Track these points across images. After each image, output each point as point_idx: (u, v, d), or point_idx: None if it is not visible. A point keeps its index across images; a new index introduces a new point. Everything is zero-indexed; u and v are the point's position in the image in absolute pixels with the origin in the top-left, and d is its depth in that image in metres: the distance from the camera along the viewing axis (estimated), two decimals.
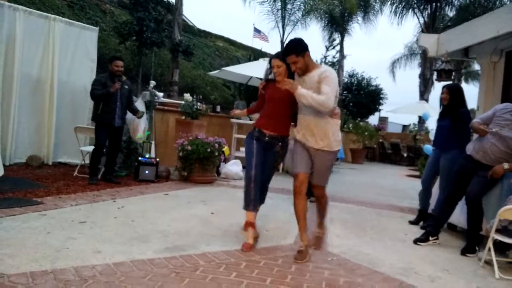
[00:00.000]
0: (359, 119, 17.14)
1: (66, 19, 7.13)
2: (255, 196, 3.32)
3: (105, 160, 5.77)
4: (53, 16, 6.77)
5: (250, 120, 9.21)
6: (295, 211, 3.33)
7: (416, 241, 4.04)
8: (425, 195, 4.89)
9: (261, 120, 3.49)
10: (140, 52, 9.86)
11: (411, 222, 4.93)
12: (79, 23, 7.46)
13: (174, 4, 11.92)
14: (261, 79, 9.56)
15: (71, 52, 6.82)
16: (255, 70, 9.36)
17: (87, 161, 6.01)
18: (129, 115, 6.00)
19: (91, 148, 5.83)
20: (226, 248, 3.32)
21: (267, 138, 3.41)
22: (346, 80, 19.75)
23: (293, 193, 3.29)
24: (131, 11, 9.87)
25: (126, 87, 5.74)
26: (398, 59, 21.74)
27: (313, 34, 29.77)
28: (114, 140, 5.72)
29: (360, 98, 17.97)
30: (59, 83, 6.62)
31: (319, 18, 17.98)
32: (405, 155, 16.59)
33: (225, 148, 6.92)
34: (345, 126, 15.59)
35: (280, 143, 3.44)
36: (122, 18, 12.39)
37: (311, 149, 3.24)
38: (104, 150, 5.69)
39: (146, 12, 9.47)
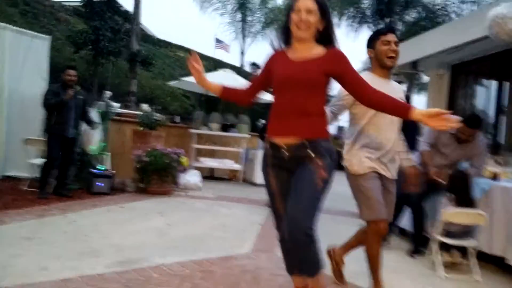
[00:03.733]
0: None
1: (16, 28, 6.86)
2: (294, 256, 2.20)
3: (56, 173, 5.55)
4: (3, 24, 6.49)
5: (210, 130, 9.20)
6: (370, 256, 2.71)
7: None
8: None
9: (272, 123, 2.14)
10: (96, 61, 9.62)
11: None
12: (30, 31, 7.18)
13: (132, 13, 11.76)
14: None
15: (21, 61, 6.54)
16: (216, 80, 9.34)
17: (38, 175, 5.75)
18: (82, 126, 5.82)
19: (41, 161, 5.60)
20: (181, 259, 3.28)
21: (286, 153, 2.07)
22: None
23: (371, 239, 2.68)
24: (87, 20, 9.63)
25: (81, 97, 5.58)
26: None
27: None
28: (67, 152, 5.52)
29: None
30: (9, 94, 6.33)
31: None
32: None
33: (184, 159, 6.86)
34: None
35: (314, 152, 2.03)
36: (77, 27, 12.07)
37: (387, 180, 2.67)
38: (55, 162, 5.47)
39: (103, 21, 9.28)
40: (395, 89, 2.61)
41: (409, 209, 4.20)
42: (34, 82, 6.68)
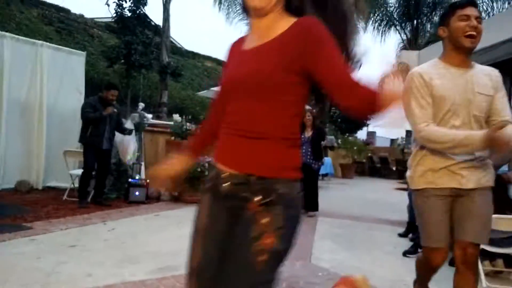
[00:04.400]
0: (347, 134, 17.34)
1: (54, 45, 7.21)
2: None
3: (94, 183, 5.77)
4: (40, 42, 6.85)
5: None
6: (418, 284, 2.44)
7: (405, 253, 4.10)
8: (412, 208, 4.96)
9: (219, 139, 1.36)
10: (129, 74, 9.95)
11: (400, 235, 5.00)
12: (67, 48, 7.54)
13: (161, 27, 12.11)
14: None
15: (59, 76, 6.87)
16: None
17: (77, 185, 5.99)
18: (118, 137, 6.04)
19: (80, 171, 5.83)
20: None
21: (224, 185, 1.29)
22: None
23: (421, 267, 2.33)
24: (119, 35, 9.99)
25: (115, 110, 5.80)
26: None
27: None
28: (103, 163, 5.73)
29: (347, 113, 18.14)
30: (48, 108, 6.64)
31: None
32: (394, 168, 16.76)
33: None
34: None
35: (262, 197, 1.21)
36: (110, 42, 12.52)
37: (468, 192, 2.02)
38: (93, 173, 5.69)
39: (134, 36, 9.60)
40: (481, 80, 2.03)
41: None
42: (71, 96, 7.00)
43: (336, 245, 4.37)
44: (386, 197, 9.43)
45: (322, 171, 7.56)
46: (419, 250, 4.07)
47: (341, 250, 4.18)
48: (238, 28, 16.51)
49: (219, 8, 14.82)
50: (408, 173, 2.22)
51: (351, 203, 7.95)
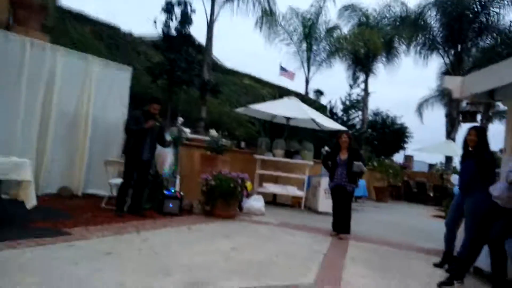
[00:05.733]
0: (383, 157, 16.98)
1: (103, 59, 7.60)
2: None
3: (131, 192, 5.96)
4: (91, 56, 7.24)
5: (274, 156, 9.36)
6: None
7: (440, 285, 3.94)
8: (449, 238, 4.79)
9: None
10: (170, 90, 10.31)
11: (436, 265, 4.81)
12: (115, 63, 7.92)
13: (205, 46, 12.51)
14: (285, 117, 9.77)
15: (106, 90, 7.21)
16: (280, 108, 9.58)
17: (115, 193, 6.21)
18: (157, 149, 6.23)
19: (119, 181, 6.06)
20: (246, 284, 3.35)
21: None
22: (370, 118, 19.77)
23: None
24: (165, 52, 10.41)
25: (157, 123, 6.00)
26: (425, 101, 21.74)
27: (337, 72, 30.30)
28: (142, 174, 5.93)
29: (384, 136, 17.87)
30: (93, 119, 6.98)
31: (343, 58, 18.34)
32: (431, 194, 16.17)
33: (248, 184, 7.02)
34: (369, 163, 15.49)
35: None
36: (154, 58, 13.04)
37: None
38: (132, 183, 5.89)
39: (179, 54, 9.99)
40: None
41: (487, 247, 3.92)
42: (116, 109, 7.32)
43: (368, 271, 4.27)
44: (422, 224, 9.10)
45: (356, 193, 7.43)
46: (455, 282, 3.92)
47: (373, 277, 4.07)
48: (277, 48, 16.76)
49: (260, 29, 15.13)
50: None
51: (385, 228, 7.73)
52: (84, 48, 10.87)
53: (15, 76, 5.95)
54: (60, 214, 5.25)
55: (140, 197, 6.02)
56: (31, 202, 4.45)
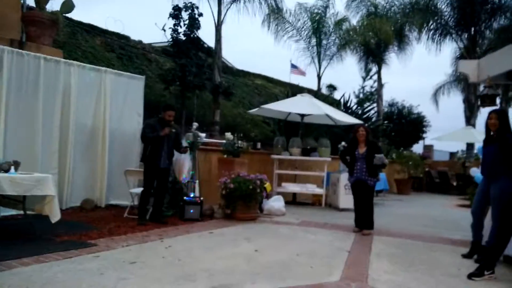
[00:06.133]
0: (402, 148, 16.74)
1: (116, 70, 7.71)
2: None
3: (152, 200, 6.02)
4: (104, 68, 7.35)
5: (291, 155, 9.32)
6: None
7: (470, 276, 3.85)
8: (477, 227, 4.67)
9: None
10: (183, 95, 10.38)
11: (464, 256, 4.70)
12: (127, 73, 8.01)
13: (214, 48, 12.54)
14: (299, 114, 9.72)
15: (121, 100, 7.30)
16: (294, 105, 9.53)
17: (136, 203, 6.29)
18: (174, 155, 6.27)
19: (139, 190, 6.12)
20: (271, 286, 3.34)
21: None
22: (386, 109, 19.52)
23: None
24: (174, 58, 10.48)
25: (173, 130, 6.04)
26: (440, 88, 21.31)
27: (349, 65, 30.05)
28: (161, 181, 5.97)
29: (402, 127, 17.60)
30: (110, 130, 7.07)
31: (354, 51, 18.14)
32: (454, 183, 15.85)
33: (267, 185, 7.01)
34: (388, 156, 15.28)
35: None
36: (166, 65, 13.15)
37: None
38: (152, 191, 5.95)
39: (188, 58, 10.03)
40: None
41: None
42: (131, 118, 7.42)
43: (394, 266, 4.20)
44: (447, 215, 8.92)
45: (377, 187, 7.33)
46: (486, 272, 3.82)
47: (400, 271, 4.01)
48: (287, 45, 16.68)
49: (268, 27, 15.08)
50: None
51: (408, 221, 7.61)
52: (96, 60, 11.06)
53: (32, 93, 6.06)
54: (84, 226, 5.34)
55: (161, 205, 6.08)
56: (55, 216, 4.53)
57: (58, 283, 3.14)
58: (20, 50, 6.08)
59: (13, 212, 5.12)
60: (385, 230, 6.23)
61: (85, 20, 12.97)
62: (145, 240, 4.79)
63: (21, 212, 4.66)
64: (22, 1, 7.30)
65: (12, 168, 4.46)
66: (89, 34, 12.73)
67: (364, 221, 6.00)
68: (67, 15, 7.88)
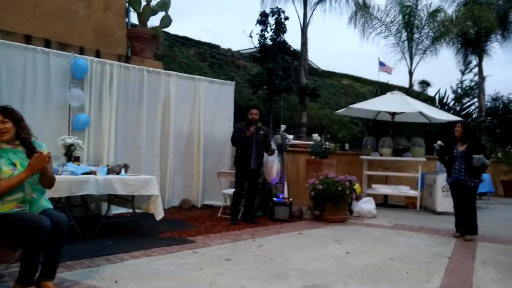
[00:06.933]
0: (509, 147, 15.07)
1: (209, 78, 8.19)
2: None
3: (244, 201, 6.27)
4: (198, 76, 7.86)
5: (381, 155, 8.99)
6: None
7: None
8: None
9: None
10: (271, 99, 10.63)
11: None
12: (219, 80, 8.46)
13: (299, 51, 12.63)
14: (389, 113, 9.32)
15: (213, 106, 7.74)
16: (383, 104, 9.17)
17: (229, 203, 6.61)
18: (264, 157, 6.47)
19: (231, 191, 6.43)
20: None
21: None
22: (489, 104, 17.77)
23: None
24: (262, 63, 10.79)
25: (262, 132, 6.24)
26: None
27: (444, 59, 27.77)
28: (252, 182, 6.20)
29: (508, 123, 15.86)
30: (204, 135, 7.53)
31: (450, 43, 16.82)
32: None
33: (356, 186, 6.86)
34: (493, 155, 13.86)
35: None
36: (253, 70, 13.57)
37: None
38: (243, 192, 6.20)
39: (275, 63, 10.25)
40: None
41: None
42: (223, 123, 7.81)
43: (503, 275, 3.84)
44: None
45: (480, 189, 6.73)
46: None
47: (509, 281, 3.66)
48: (374, 43, 16.08)
49: (355, 24, 14.71)
50: None
51: None
52: (190, 69, 11.85)
53: (137, 103, 6.72)
54: (183, 224, 5.77)
55: (252, 205, 6.31)
56: (159, 214, 4.99)
57: (163, 276, 3.45)
58: (127, 64, 6.77)
59: (123, 210, 5.71)
60: (490, 236, 5.71)
61: (180, 33, 14.03)
62: (238, 238, 5.02)
63: (130, 210, 5.21)
64: (126, 20, 8.15)
65: (123, 170, 4.99)
66: (184, 46, 13.69)
67: (466, 225, 5.56)
68: (165, 29, 8.55)
